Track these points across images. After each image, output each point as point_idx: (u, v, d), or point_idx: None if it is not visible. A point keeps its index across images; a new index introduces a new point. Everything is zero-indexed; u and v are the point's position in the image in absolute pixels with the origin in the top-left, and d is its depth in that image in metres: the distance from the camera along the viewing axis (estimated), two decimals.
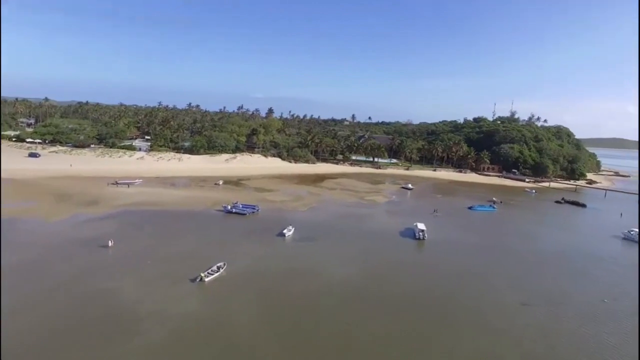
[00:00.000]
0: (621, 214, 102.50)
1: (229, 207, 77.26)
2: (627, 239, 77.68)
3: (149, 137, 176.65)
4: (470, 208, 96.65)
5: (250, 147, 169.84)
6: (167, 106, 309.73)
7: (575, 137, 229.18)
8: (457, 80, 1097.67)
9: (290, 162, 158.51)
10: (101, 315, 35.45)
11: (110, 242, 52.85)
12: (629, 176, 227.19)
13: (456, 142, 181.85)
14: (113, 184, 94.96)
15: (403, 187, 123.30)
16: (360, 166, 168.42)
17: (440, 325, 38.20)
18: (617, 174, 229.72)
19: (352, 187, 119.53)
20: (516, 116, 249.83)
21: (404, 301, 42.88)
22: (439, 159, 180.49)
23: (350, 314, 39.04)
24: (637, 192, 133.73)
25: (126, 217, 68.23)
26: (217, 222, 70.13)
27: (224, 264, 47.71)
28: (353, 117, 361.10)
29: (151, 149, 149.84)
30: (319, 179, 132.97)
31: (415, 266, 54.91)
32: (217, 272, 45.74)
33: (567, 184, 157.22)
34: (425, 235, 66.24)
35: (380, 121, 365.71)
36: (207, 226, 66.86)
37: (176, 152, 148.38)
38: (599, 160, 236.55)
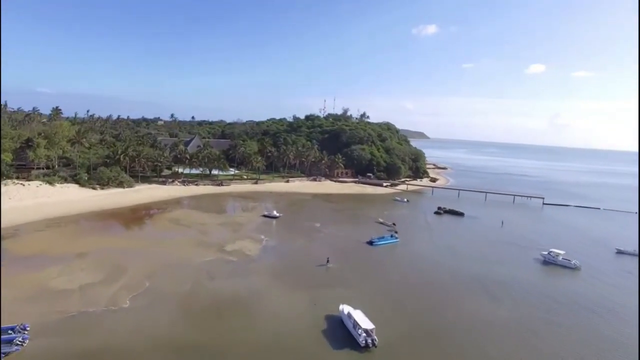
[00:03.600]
0: (502, 223, 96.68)
1: None
2: (550, 262, 67.59)
3: None
4: (370, 243, 73.26)
5: (23, 169, 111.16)
6: None
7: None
8: (258, 77, 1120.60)
9: (94, 189, 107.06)
10: None
11: None
12: (446, 168, 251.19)
13: (309, 146, 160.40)
14: None
15: (266, 216, 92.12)
16: (197, 184, 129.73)
17: None
18: (436, 165, 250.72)
19: (198, 224, 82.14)
20: (349, 113, 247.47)
21: None
22: (289, 166, 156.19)
23: None
24: (490, 192, 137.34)
25: None
26: None
27: None
28: (173, 117, 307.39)
29: None
30: (142, 214, 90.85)
31: None
32: None
33: (422, 185, 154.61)
34: (375, 338, 38.25)
35: (203, 120, 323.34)
36: None
37: None
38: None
